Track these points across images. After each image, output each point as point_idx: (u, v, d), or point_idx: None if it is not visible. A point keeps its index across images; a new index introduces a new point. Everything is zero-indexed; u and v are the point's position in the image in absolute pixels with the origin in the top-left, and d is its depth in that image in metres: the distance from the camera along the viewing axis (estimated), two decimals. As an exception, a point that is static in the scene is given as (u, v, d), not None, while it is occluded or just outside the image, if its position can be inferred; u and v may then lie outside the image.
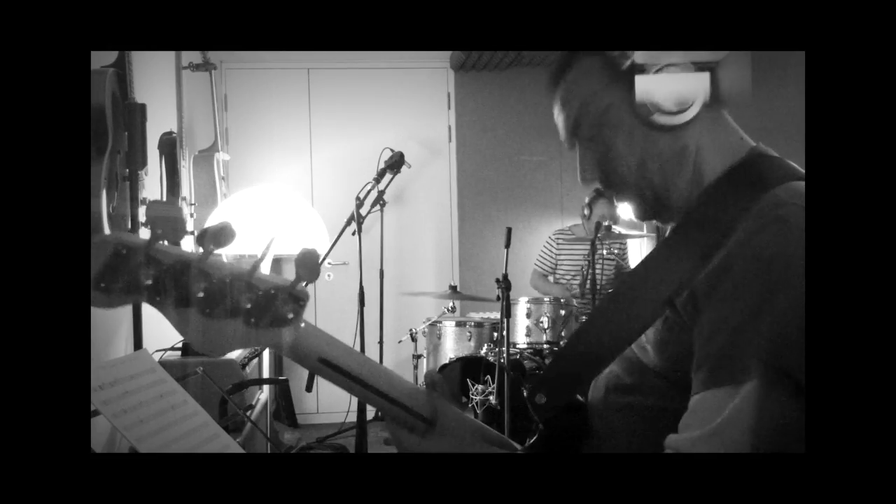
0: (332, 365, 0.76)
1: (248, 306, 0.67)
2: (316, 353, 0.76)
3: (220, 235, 0.64)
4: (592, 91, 0.90)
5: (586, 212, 4.03)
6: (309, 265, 0.68)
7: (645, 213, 0.94)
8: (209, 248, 0.64)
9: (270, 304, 0.68)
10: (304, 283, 0.69)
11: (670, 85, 0.85)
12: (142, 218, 1.91)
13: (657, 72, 0.85)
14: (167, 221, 0.63)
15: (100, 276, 0.63)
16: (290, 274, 0.69)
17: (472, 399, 3.29)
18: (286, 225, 2.36)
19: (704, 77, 0.86)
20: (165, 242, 0.64)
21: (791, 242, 0.75)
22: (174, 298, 0.65)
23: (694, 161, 0.89)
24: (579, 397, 0.97)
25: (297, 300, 0.69)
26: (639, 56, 0.86)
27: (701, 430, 0.76)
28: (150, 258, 0.64)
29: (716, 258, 0.80)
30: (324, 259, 2.96)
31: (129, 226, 1.88)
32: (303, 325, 0.73)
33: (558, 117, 0.96)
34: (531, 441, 0.96)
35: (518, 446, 0.97)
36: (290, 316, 0.69)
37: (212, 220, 2.46)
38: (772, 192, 0.81)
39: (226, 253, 0.68)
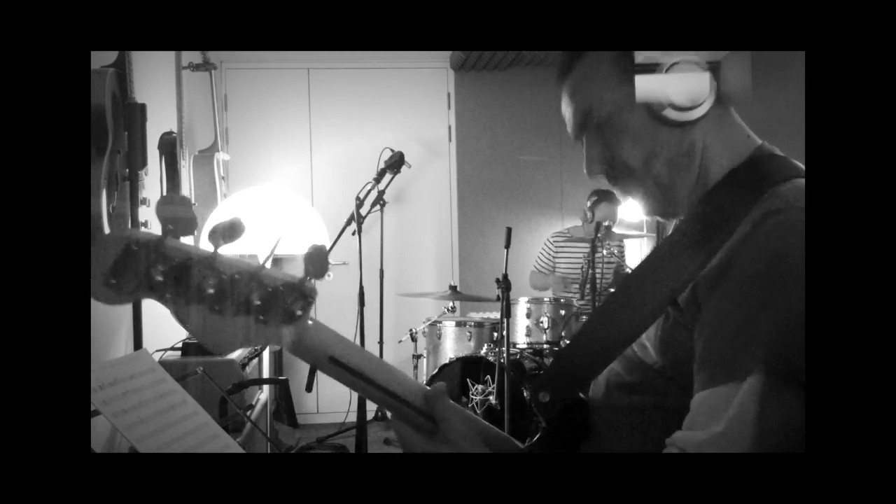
0: (341, 364, 0.76)
1: (258, 303, 0.68)
2: (325, 350, 0.75)
3: (230, 230, 0.64)
4: (602, 86, 0.90)
5: (588, 215, 4.06)
6: (317, 261, 0.68)
7: (651, 209, 0.94)
8: (219, 244, 0.64)
9: (279, 300, 0.68)
10: (311, 280, 0.69)
11: (683, 81, 0.85)
12: (142, 217, 1.91)
13: (669, 69, 0.85)
14: (178, 216, 0.63)
15: (110, 272, 0.63)
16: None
17: (472, 399, 3.29)
18: (286, 225, 2.36)
19: (714, 74, 0.86)
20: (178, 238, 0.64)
21: (791, 239, 0.75)
22: (184, 295, 0.65)
23: (701, 159, 0.90)
24: (581, 395, 0.97)
25: (305, 297, 0.70)
26: (649, 52, 0.86)
27: (705, 430, 0.76)
28: (161, 254, 0.64)
29: (718, 256, 0.80)
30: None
31: (129, 226, 1.88)
32: (310, 322, 0.73)
33: (566, 110, 0.95)
34: (534, 440, 0.96)
35: (521, 445, 0.97)
36: (299, 313, 0.70)
37: (212, 221, 2.46)
38: (773, 189, 0.82)
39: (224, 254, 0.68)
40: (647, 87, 0.86)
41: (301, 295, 0.69)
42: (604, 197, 4.01)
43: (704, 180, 0.90)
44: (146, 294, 0.64)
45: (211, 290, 0.66)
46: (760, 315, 0.75)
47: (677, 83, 0.85)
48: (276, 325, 0.69)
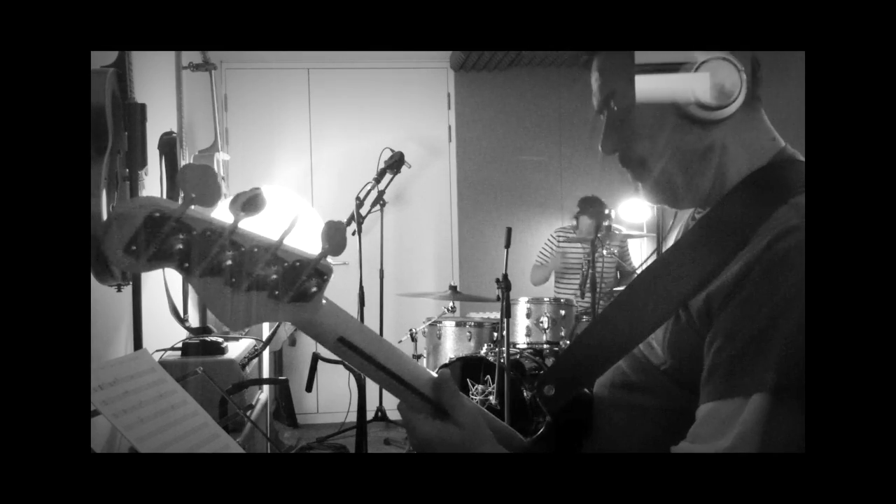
0: (350, 345, 0.76)
1: (273, 278, 0.67)
2: (336, 331, 0.75)
3: (252, 204, 0.63)
4: (627, 75, 0.88)
5: (573, 222, 4.09)
6: (335, 238, 0.67)
7: (659, 201, 0.93)
8: (240, 217, 0.63)
9: (295, 276, 0.68)
10: (328, 257, 0.69)
11: (713, 79, 0.83)
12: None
13: (701, 65, 0.83)
14: (202, 185, 0.62)
15: (131, 239, 0.62)
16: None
17: (472, 399, 3.29)
18: (285, 225, 2.35)
19: (746, 73, 0.84)
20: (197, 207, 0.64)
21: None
22: (202, 266, 0.65)
23: (719, 159, 0.88)
24: (587, 391, 0.97)
25: (321, 274, 0.69)
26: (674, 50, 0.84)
27: (710, 444, 0.76)
28: (182, 223, 0.63)
29: (733, 266, 0.79)
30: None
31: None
32: (324, 301, 0.73)
33: (593, 82, 0.94)
34: (538, 434, 0.96)
35: (524, 439, 0.97)
36: (314, 290, 0.69)
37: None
38: (792, 201, 0.80)
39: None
40: (673, 85, 0.84)
41: (316, 272, 0.69)
42: (585, 210, 4.01)
43: (721, 181, 0.88)
44: (164, 263, 0.64)
45: (228, 262, 0.65)
46: (772, 332, 0.74)
47: (707, 81, 0.83)
48: (290, 301, 0.68)
